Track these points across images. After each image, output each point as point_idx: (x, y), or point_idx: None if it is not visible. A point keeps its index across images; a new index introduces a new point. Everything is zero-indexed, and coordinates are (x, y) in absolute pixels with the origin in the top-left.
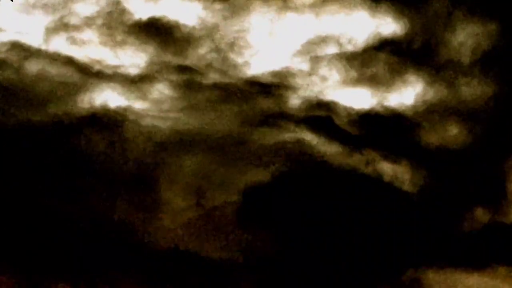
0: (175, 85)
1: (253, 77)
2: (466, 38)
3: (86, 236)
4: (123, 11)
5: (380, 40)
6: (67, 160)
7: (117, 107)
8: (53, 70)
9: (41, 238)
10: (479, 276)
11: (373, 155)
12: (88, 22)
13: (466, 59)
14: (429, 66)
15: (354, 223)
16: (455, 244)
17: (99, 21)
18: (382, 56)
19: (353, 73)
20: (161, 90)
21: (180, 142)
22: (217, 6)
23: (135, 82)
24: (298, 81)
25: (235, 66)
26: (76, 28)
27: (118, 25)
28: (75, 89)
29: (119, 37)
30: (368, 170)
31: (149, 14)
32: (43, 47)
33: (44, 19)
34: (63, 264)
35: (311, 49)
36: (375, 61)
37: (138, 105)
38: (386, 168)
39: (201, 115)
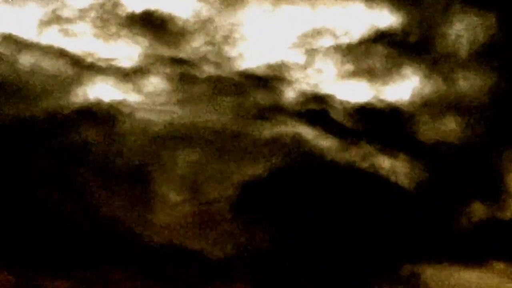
0: (170, 78)
1: (248, 70)
2: (463, 30)
3: (81, 232)
4: (116, 3)
5: (376, 32)
6: (61, 154)
7: (111, 100)
8: (47, 63)
9: (36, 234)
10: (477, 271)
11: (370, 149)
12: (81, 14)
13: (463, 52)
14: (426, 59)
15: (351, 217)
16: (453, 239)
17: (92, 14)
18: (379, 49)
19: (349, 66)
20: (156, 83)
21: (175, 136)
22: None
23: (129, 75)
24: (294, 74)
25: (229, 59)
26: (69, 20)
27: (111, 17)
28: (69, 82)
29: (112, 30)
30: (365, 164)
31: (142, 6)
32: (36, 40)
33: (37, 11)
34: (59, 261)
35: (307, 42)
36: (371, 54)
37: (132, 98)
38: (383, 162)
39: (195, 108)
